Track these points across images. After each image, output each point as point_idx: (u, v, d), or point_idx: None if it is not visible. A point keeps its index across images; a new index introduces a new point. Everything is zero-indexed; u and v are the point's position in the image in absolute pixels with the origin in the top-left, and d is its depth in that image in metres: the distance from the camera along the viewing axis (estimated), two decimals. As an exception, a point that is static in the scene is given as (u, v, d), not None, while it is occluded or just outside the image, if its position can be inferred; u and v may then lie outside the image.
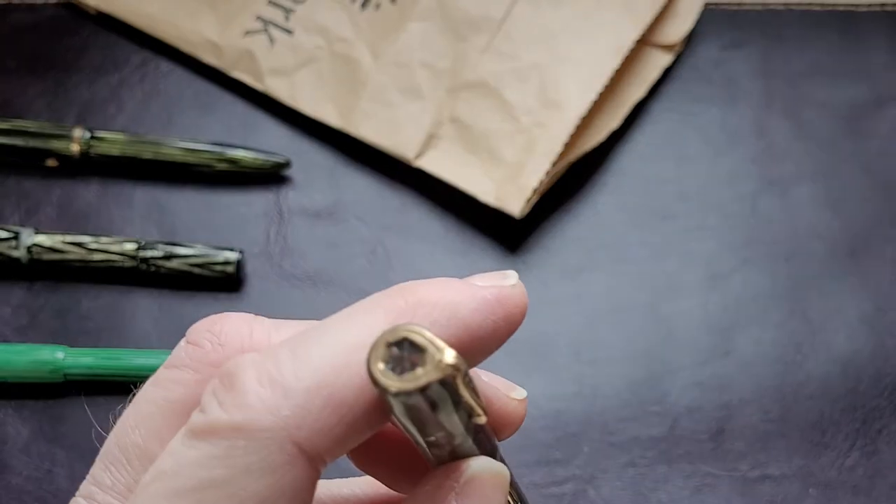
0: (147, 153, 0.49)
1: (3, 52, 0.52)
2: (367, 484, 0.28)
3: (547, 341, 0.46)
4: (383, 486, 0.27)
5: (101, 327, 0.46)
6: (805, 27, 0.53)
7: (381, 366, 0.20)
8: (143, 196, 0.49)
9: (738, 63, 0.52)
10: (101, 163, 0.49)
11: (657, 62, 0.51)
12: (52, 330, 0.46)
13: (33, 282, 0.47)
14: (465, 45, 0.49)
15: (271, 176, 0.49)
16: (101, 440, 0.24)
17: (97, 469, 0.24)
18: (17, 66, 0.52)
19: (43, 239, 0.46)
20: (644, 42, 0.50)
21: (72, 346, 0.45)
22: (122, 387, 0.44)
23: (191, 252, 0.47)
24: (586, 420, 0.45)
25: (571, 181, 0.49)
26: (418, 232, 0.49)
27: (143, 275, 0.47)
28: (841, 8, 0.53)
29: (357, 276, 0.47)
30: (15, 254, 0.46)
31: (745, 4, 0.53)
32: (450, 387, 0.20)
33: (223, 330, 0.24)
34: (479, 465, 0.23)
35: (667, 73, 0.51)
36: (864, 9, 0.53)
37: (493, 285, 0.23)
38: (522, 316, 0.23)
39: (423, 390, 0.20)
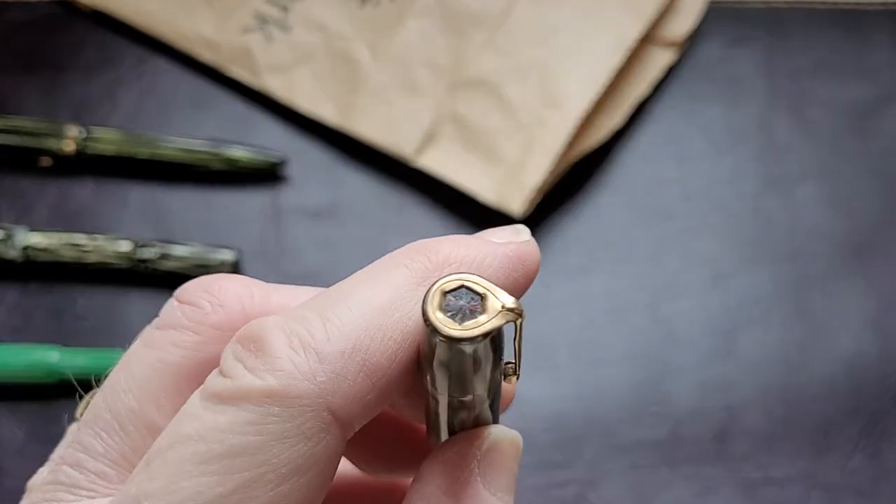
0: (143, 152, 0.49)
1: (-2, 50, 0.52)
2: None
3: (548, 342, 0.46)
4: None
5: (96, 328, 0.46)
6: (809, 25, 0.52)
7: (439, 314, 0.19)
8: (139, 195, 0.49)
9: (742, 61, 0.52)
10: (97, 161, 0.49)
11: (660, 60, 0.51)
12: (46, 330, 0.46)
13: (28, 282, 0.47)
14: (465, 43, 0.49)
15: (268, 174, 0.49)
16: (82, 400, 0.24)
17: (84, 435, 0.23)
18: (11, 63, 0.52)
19: (38, 239, 0.46)
20: (647, 40, 0.50)
21: (67, 346, 0.45)
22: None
23: (187, 251, 0.46)
24: (587, 422, 0.44)
25: (572, 180, 0.49)
26: (417, 231, 0.48)
27: (138, 275, 0.47)
28: (845, 6, 0.53)
29: (355, 276, 0.47)
30: (9, 254, 0.46)
31: (748, 2, 0.53)
32: (502, 338, 0.20)
33: (221, 290, 0.24)
34: (499, 432, 0.23)
35: (670, 71, 0.51)
36: (869, 7, 0.53)
37: (510, 241, 0.23)
38: (537, 271, 0.23)
39: (486, 337, 0.19)
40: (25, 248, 0.46)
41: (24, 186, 0.49)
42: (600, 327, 0.47)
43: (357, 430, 0.21)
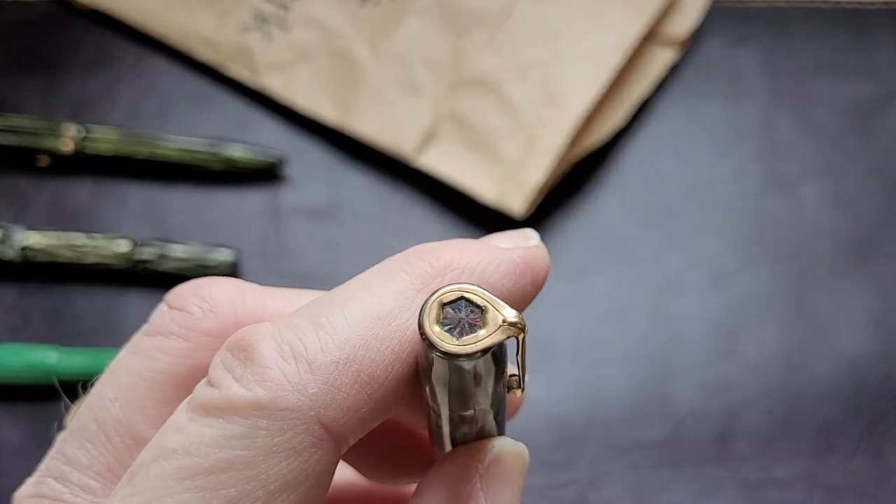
0: (141, 151, 0.48)
1: (-4, 49, 0.52)
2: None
3: (549, 342, 0.46)
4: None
5: (94, 328, 0.46)
6: (811, 24, 0.52)
7: (436, 328, 0.19)
8: (138, 194, 0.49)
9: (744, 60, 0.52)
10: (95, 161, 0.49)
11: (661, 59, 0.51)
12: (44, 331, 0.46)
13: (26, 282, 0.47)
14: (466, 42, 0.49)
15: (268, 174, 0.49)
16: (69, 410, 0.23)
17: (69, 446, 0.22)
18: (9, 62, 0.52)
19: (36, 238, 0.46)
20: (648, 39, 0.50)
21: (65, 346, 0.45)
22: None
23: (186, 251, 0.46)
24: (588, 422, 0.44)
25: (573, 180, 0.49)
26: (417, 231, 0.48)
27: (137, 274, 0.47)
28: (847, 5, 0.53)
29: (355, 276, 0.47)
30: (7, 254, 0.46)
31: (750, 1, 0.53)
32: (505, 351, 0.19)
33: (213, 294, 0.23)
34: (504, 444, 0.22)
35: (671, 70, 0.51)
36: (871, 6, 0.53)
37: (518, 247, 0.22)
38: (546, 278, 0.22)
39: (485, 353, 0.19)
40: (23, 248, 0.46)
41: (23, 186, 0.49)
42: (601, 327, 0.46)
43: (353, 443, 0.20)
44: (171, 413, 0.20)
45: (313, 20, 0.51)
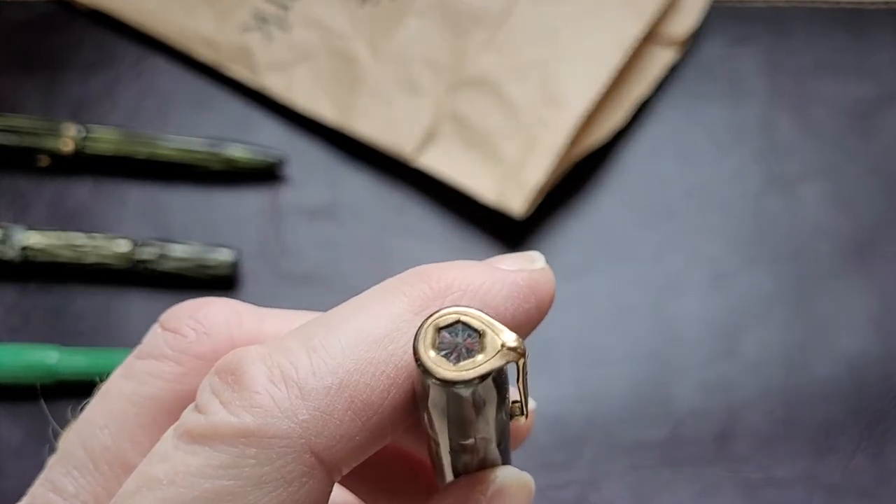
0: (141, 151, 0.48)
1: (-4, 49, 0.52)
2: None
3: (548, 343, 0.46)
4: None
5: (94, 328, 0.46)
6: (811, 23, 0.52)
7: (432, 353, 0.18)
8: (138, 194, 0.49)
9: (744, 60, 0.51)
10: (95, 161, 0.49)
11: (661, 59, 0.51)
12: (45, 331, 0.46)
13: (26, 282, 0.47)
14: (466, 42, 0.49)
15: (268, 174, 0.49)
16: (59, 437, 0.23)
17: (56, 473, 0.21)
18: (9, 62, 0.52)
19: (36, 238, 0.46)
20: (648, 39, 0.50)
21: (65, 346, 0.45)
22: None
23: (186, 251, 0.46)
24: (588, 423, 0.44)
25: (573, 180, 0.49)
26: (417, 231, 0.48)
27: (137, 274, 0.47)
28: (847, 5, 0.53)
29: (355, 276, 0.47)
30: (7, 254, 0.46)
31: (750, 1, 0.53)
32: (506, 376, 0.18)
33: (208, 316, 0.22)
34: (507, 475, 0.21)
35: (671, 70, 0.51)
36: (871, 6, 0.53)
37: (522, 269, 0.21)
38: (552, 302, 0.21)
39: (483, 379, 0.18)
40: (24, 248, 0.46)
41: (23, 186, 0.49)
42: (601, 327, 0.46)
43: (346, 472, 0.19)
44: None
45: (313, 20, 0.51)
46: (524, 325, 0.21)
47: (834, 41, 0.52)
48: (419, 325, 0.18)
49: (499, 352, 0.18)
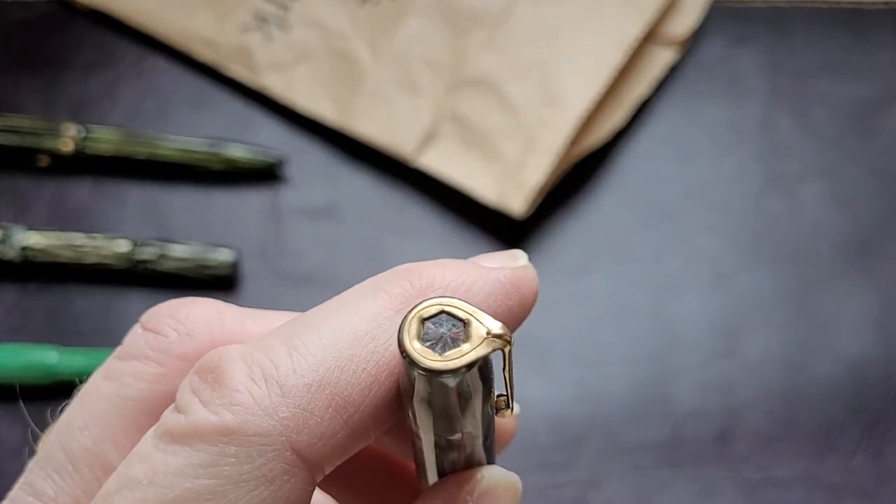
0: (141, 151, 0.48)
1: (-4, 49, 0.52)
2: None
3: (548, 343, 0.46)
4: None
5: (94, 328, 0.46)
6: (811, 24, 0.52)
7: (417, 345, 0.18)
8: (138, 194, 0.49)
9: (744, 60, 0.51)
10: (95, 161, 0.49)
11: (661, 59, 0.51)
12: (45, 331, 0.46)
13: (26, 282, 0.47)
14: (466, 42, 0.49)
15: (268, 174, 0.49)
16: (38, 439, 0.22)
17: (35, 476, 0.21)
18: (9, 62, 0.52)
19: (36, 238, 0.46)
20: (648, 39, 0.50)
21: (65, 346, 0.45)
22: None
23: (186, 251, 0.46)
24: (588, 423, 0.44)
25: (573, 180, 0.49)
26: (417, 231, 0.48)
27: (137, 275, 0.47)
28: (847, 5, 0.53)
29: (355, 276, 0.46)
30: (7, 254, 0.46)
31: (750, 1, 0.53)
32: (491, 367, 0.18)
33: (189, 317, 0.22)
34: (494, 475, 0.21)
35: (671, 70, 0.51)
36: (871, 6, 0.52)
37: (504, 266, 0.21)
38: (535, 300, 0.21)
39: (470, 368, 0.17)
40: (23, 248, 0.46)
41: (23, 186, 0.49)
42: (601, 327, 0.46)
43: (329, 471, 0.19)
44: None
45: (313, 20, 0.51)
46: (508, 323, 0.20)
47: (834, 41, 0.52)
48: (402, 318, 0.18)
49: (484, 340, 0.18)
